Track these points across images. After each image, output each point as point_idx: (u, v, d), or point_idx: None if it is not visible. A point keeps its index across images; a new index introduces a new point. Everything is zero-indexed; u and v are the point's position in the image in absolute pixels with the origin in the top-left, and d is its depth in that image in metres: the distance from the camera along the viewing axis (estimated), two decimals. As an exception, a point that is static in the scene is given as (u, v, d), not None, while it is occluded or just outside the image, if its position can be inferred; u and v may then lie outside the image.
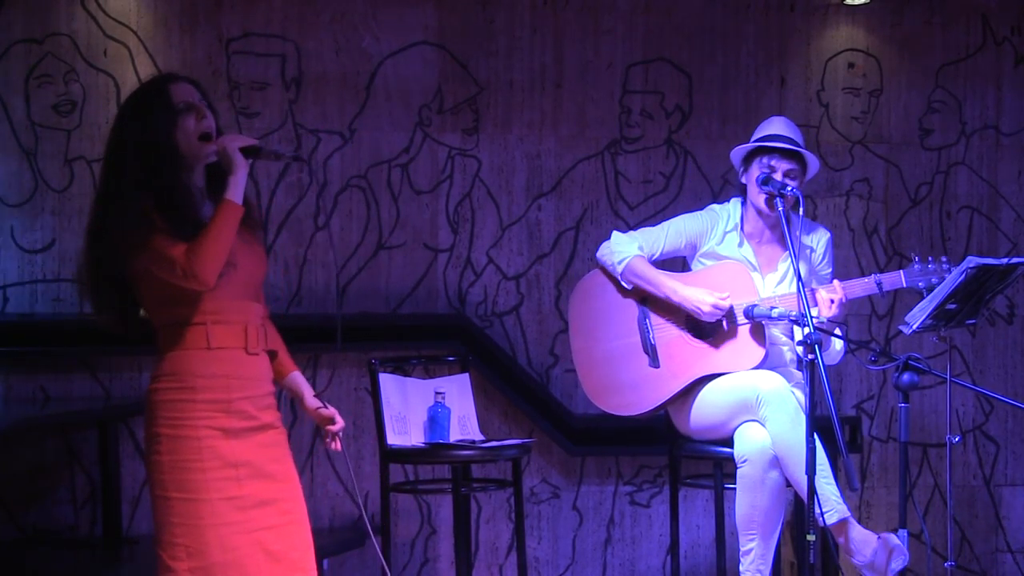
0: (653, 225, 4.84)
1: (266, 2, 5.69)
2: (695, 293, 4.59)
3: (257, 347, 3.39)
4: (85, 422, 5.43)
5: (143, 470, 5.51)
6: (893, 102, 6.13)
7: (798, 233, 4.69)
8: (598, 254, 4.79)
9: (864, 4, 6.05)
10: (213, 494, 3.25)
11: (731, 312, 4.60)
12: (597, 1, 5.91)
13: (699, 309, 4.57)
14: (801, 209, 4.38)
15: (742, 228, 4.74)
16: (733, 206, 4.79)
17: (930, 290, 4.54)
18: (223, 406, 3.31)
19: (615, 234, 4.77)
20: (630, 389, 4.68)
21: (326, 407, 3.61)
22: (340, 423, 3.61)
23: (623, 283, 4.73)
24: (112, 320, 3.41)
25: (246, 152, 3.37)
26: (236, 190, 3.32)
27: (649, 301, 4.72)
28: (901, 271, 4.61)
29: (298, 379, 3.64)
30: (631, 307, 4.74)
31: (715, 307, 4.55)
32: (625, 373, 4.69)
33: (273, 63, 5.68)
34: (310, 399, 3.61)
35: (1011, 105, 6.19)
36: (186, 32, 5.65)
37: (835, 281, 4.56)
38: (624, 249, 4.71)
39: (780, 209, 4.44)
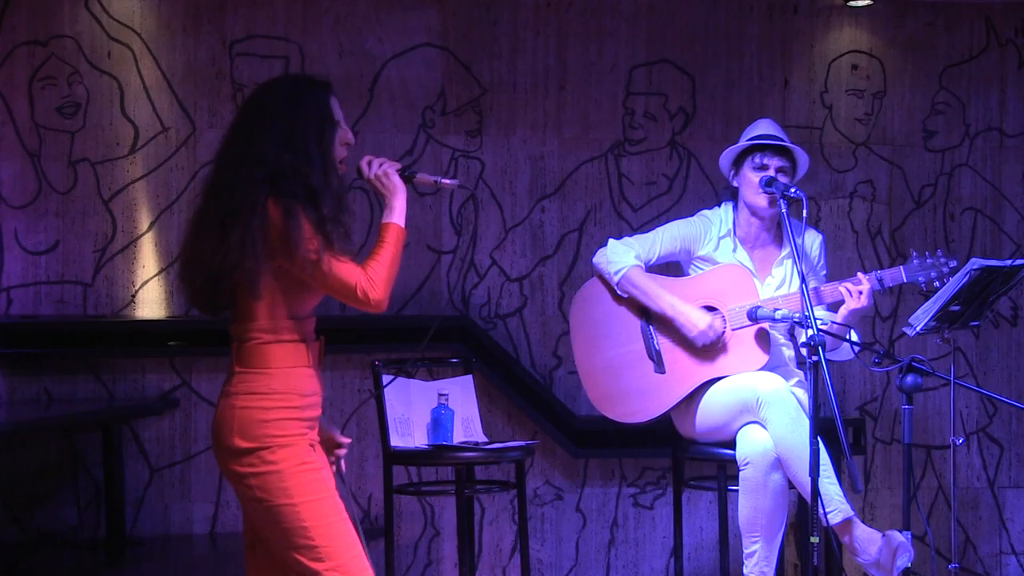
0: (649, 230, 4.84)
1: (269, 4, 5.70)
2: (691, 315, 4.60)
3: (322, 364, 3.39)
4: (89, 424, 5.43)
5: (146, 472, 5.54)
6: (897, 104, 6.12)
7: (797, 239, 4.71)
8: (594, 259, 4.76)
9: (867, 6, 6.05)
10: (333, 490, 3.27)
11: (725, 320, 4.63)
12: (600, 3, 5.91)
13: (690, 331, 4.59)
14: (804, 211, 4.38)
15: (735, 233, 4.74)
16: (724, 211, 4.78)
17: (929, 285, 4.57)
18: (312, 423, 3.32)
19: (611, 242, 4.75)
20: (636, 397, 4.67)
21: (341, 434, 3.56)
22: (345, 450, 3.56)
23: (619, 292, 4.73)
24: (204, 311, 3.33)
25: (401, 175, 3.39)
26: (401, 214, 3.36)
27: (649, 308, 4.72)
28: (901, 267, 4.63)
29: None
30: (633, 314, 4.74)
31: (709, 328, 4.56)
32: (631, 381, 4.69)
33: (276, 65, 5.68)
34: (326, 421, 3.52)
35: (1015, 107, 6.18)
36: (189, 34, 5.66)
37: (859, 273, 4.58)
38: (621, 259, 4.69)
39: (784, 211, 4.45)
